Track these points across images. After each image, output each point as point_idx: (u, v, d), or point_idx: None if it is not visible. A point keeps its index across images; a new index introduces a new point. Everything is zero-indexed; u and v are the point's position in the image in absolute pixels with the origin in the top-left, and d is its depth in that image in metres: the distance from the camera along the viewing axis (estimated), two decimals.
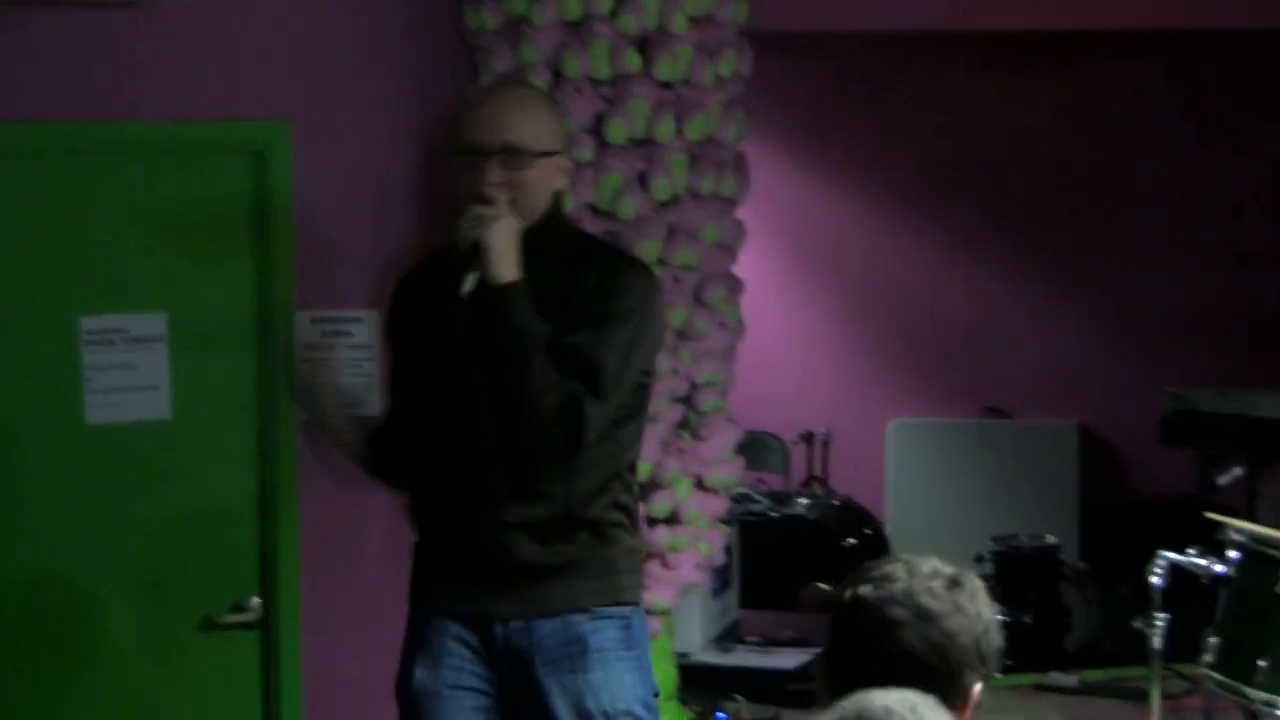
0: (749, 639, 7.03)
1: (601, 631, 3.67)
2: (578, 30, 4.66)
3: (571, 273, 3.62)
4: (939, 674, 2.42)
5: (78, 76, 4.52)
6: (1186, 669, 5.81)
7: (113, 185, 4.57)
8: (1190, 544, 4.96)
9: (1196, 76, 9.16)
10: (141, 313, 4.55)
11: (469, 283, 3.51)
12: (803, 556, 7.78)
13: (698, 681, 6.05)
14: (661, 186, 4.72)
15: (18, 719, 4.54)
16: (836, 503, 8.49)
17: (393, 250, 4.75)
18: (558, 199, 3.71)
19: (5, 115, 4.46)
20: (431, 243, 4.47)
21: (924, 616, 2.42)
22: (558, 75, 4.68)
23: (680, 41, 4.71)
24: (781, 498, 8.72)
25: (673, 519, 4.85)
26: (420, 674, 3.72)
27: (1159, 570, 4.88)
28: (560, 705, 3.63)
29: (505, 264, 3.48)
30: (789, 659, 6.62)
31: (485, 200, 3.52)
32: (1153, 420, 8.60)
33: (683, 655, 6.15)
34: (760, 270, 7.62)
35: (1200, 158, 9.31)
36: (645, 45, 4.71)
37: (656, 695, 3.82)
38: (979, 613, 2.48)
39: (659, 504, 4.79)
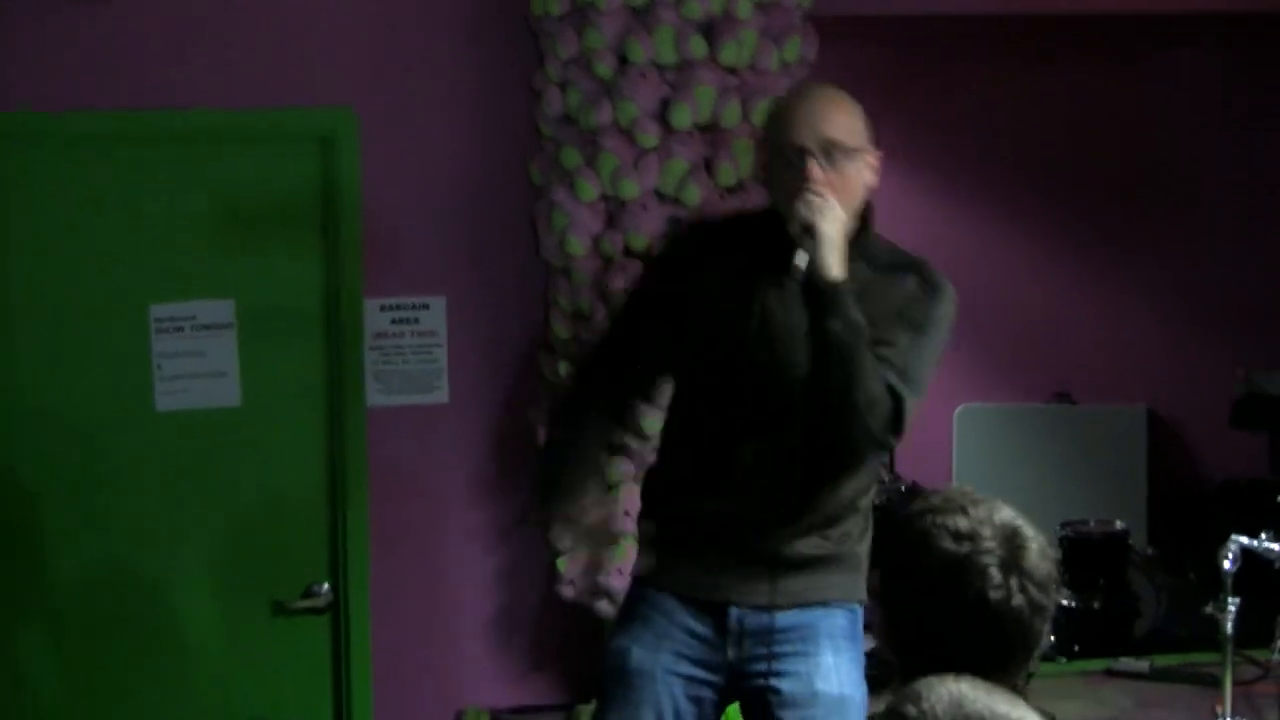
0: None
1: (833, 618, 3.66)
2: (643, 16, 4.66)
3: (888, 276, 3.63)
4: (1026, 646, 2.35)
5: (147, 66, 4.55)
6: (1258, 654, 5.77)
7: (181, 173, 4.60)
8: (1261, 529, 4.91)
9: (1262, 59, 9.08)
10: (210, 299, 4.58)
11: (802, 260, 3.44)
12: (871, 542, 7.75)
13: None
14: (727, 172, 4.72)
15: (93, 702, 4.59)
16: (903, 489, 8.45)
17: (458, 236, 4.78)
18: (869, 202, 3.70)
19: (75, 104, 4.50)
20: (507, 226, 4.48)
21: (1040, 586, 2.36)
22: (623, 61, 4.68)
23: (745, 26, 4.69)
24: None
25: None
26: (638, 652, 3.67)
27: (1231, 555, 4.84)
28: (789, 685, 3.61)
29: (837, 256, 3.46)
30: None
31: (821, 188, 3.51)
32: (1222, 404, 8.55)
33: None
34: None
35: (1267, 140, 9.24)
36: (710, 30, 4.71)
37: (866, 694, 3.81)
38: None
39: None
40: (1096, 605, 7.12)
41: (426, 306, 4.74)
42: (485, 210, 4.82)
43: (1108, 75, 9.36)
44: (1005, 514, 2.38)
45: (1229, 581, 4.84)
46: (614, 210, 4.71)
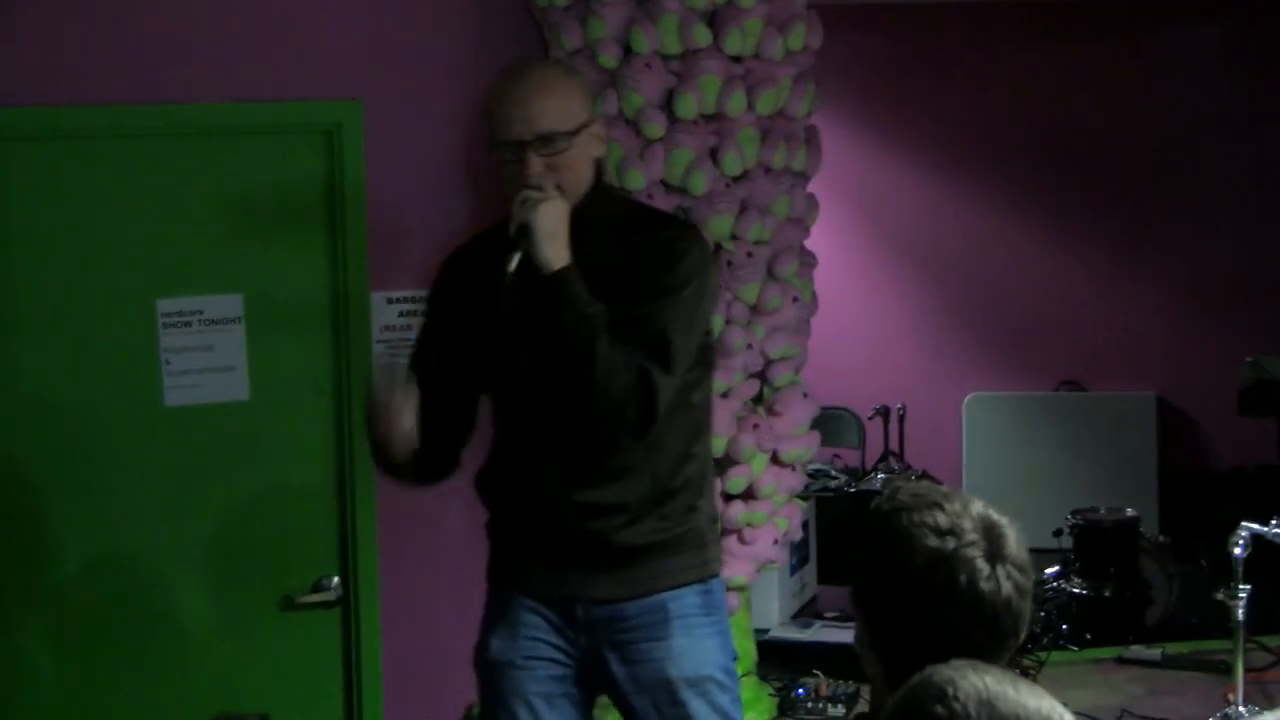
0: (827, 614, 7.01)
1: (683, 599, 3.66)
2: (646, 5, 4.65)
3: (622, 244, 3.58)
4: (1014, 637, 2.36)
5: (152, 60, 4.54)
6: (1269, 641, 5.76)
7: (187, 167, 4.59)
8: (1271, 515, 4.90)
9: (1272, 43, 9.06)
10: (218, 294, 4.57)
11: (513, 263, 3.45)
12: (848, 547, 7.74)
13: (776, 657, 6.04)
14: (732, 161, 4.71)
15: (99, 696, 4.58)
16: (913, 478, 8.45)
17: (465, 228, 4.75)
18: (599, 166, 3.66)
19: (79, 99, 4.49)
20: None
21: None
22: (627, 51, 4.67)
23: (749, 15, 4.69)
24: (857, 473, 8.71)
25: (749, 494, 4.85)
26: (496, 644, 3.73)
27: (1241, 541, 4.83)
28: (643, 673, 3.63)
29: (554, 247, 3.44)
30: None
31: (532, 186, 3.49)
32: (1230, 390, 8.53)
33: (761, 631, 6.15)
34: (834, 244, 7.62)
35: (1277, 126, 9.22)
36: (714, 19, 4.70)
37: (735, 659, 3.82)
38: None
39: (735, 479, 4.78)
40: (1107, 593, 7.13)
41: None
42: (489, 203, 4.80)
43: (1115, 60, 9.36)
44: (978, 505, 2.38)
45: (1240, 568, 4.84)
46: None
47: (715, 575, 3.75)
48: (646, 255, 3.56)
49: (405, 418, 3.56)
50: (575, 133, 3.55)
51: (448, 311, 3.79)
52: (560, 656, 3.69)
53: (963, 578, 2.29)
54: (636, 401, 3.45)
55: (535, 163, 3.51)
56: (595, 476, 3.59)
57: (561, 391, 3.51)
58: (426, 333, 3.86)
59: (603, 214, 3.61)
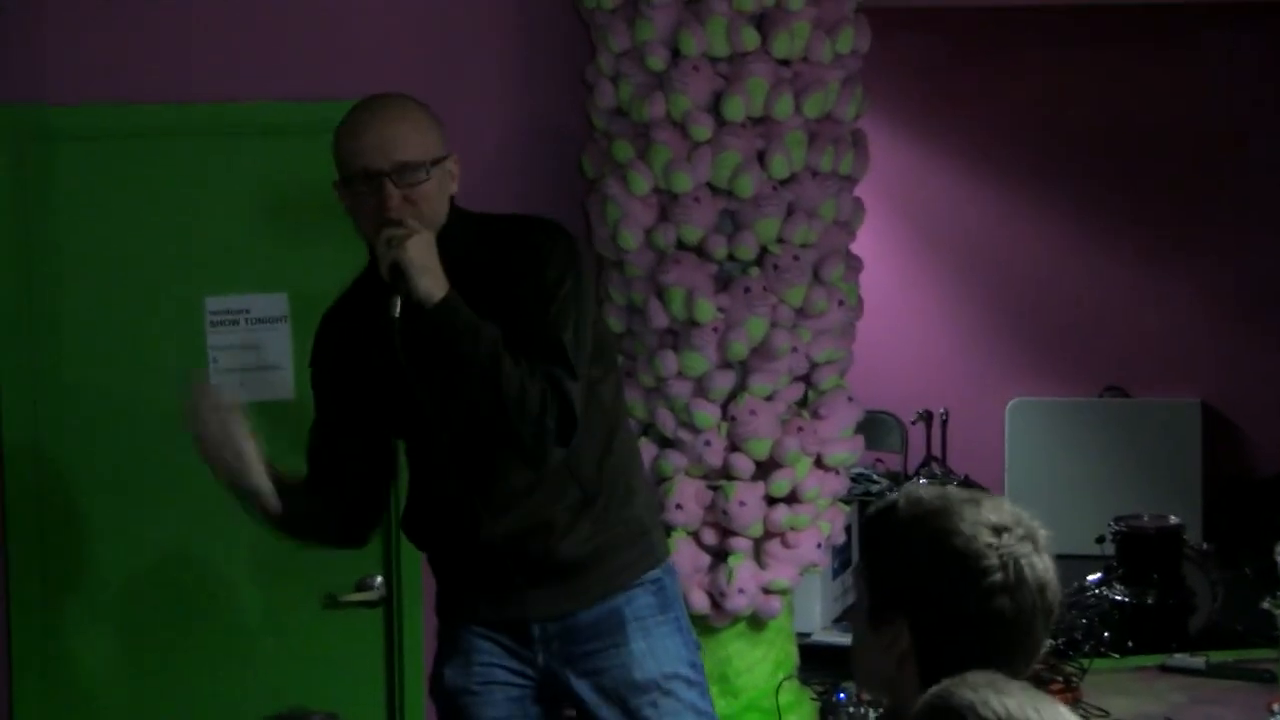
0: None
1: (636, 600, 3.63)
2: (695, 7, 4.65)
3: (493, 261, 3.51)
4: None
5: (199, 59, 4.57)
6: None
7: (235, 166, 4.62)
8: None
9: None
10: (265, 293, 4.59)
11: (396, 307, 3.36)
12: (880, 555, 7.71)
13: (818, 661, 6.02)
14: (780, 164, 4.70)
15: (143, 694, 4.61)
16: (955, 483, 8.43)
17: None
18: (452, 200, 3.60)
19: (130, 98, 4.52)
20: None
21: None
22: (675, 53, 4.67)
23: (797, 18, 4.68)
24: (899, 478, 8.69)
25: (792, 498, 4.84)
26: (450, 674, 3.69)
27: None
28: (607, 683, 3.61)
29: (431, 279, 3.35)
30: None
31: (393, 223, 3.40)
32: (1276, 396, 8.49)
33: (803, 635, 6.13)
34: (879, 248, 7.60)
35: None
36: (762, 22, 4.69)
37: (699, 649, 3.79)
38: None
39: (779, 483, 4.78)
40: (1150, 600, 7.09)
41: None
42: (537, 204, 4.80)
43: (1158, 63, 9.33)
44: (1005, 502, 2.41)
45: None
46: (666, 203, 4.71)
47: (664, 560, 3.72)
48: (517, 265, 3.50)
49: (235, 442, 3.50)
50: (433, 164, 3.48)
51: (335, 374, 3.70)
52: (515, 680, 3.66)
53: (1028, 571, 2.32)
54: (553, 408, 3.38)
55: (394, 195, 3.41)
56: (515, 501, 3.55)
57: (475, 419, 3.43)
58: (320, 398, 3.75)
59: (466, 239, 3.53)
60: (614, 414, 3.69)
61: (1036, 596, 2.32)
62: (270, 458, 3.58)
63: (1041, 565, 2.34)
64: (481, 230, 3.61)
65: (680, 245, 4.70)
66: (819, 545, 4.96)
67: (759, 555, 4.83)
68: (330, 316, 3.78)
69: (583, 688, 3.62)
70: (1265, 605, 4.91)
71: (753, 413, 4.72)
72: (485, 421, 3.41)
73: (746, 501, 4.73)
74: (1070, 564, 2.42)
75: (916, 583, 2.36)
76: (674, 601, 3.72)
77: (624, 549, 3.64)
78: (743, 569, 4.78)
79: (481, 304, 3.39)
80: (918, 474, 8.71)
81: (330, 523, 3.72)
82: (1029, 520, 2.38)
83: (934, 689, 2.00)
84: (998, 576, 2.31)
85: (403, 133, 3.46)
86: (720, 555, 4.82)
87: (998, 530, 2.33)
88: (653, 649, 3.63)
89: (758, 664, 4.94)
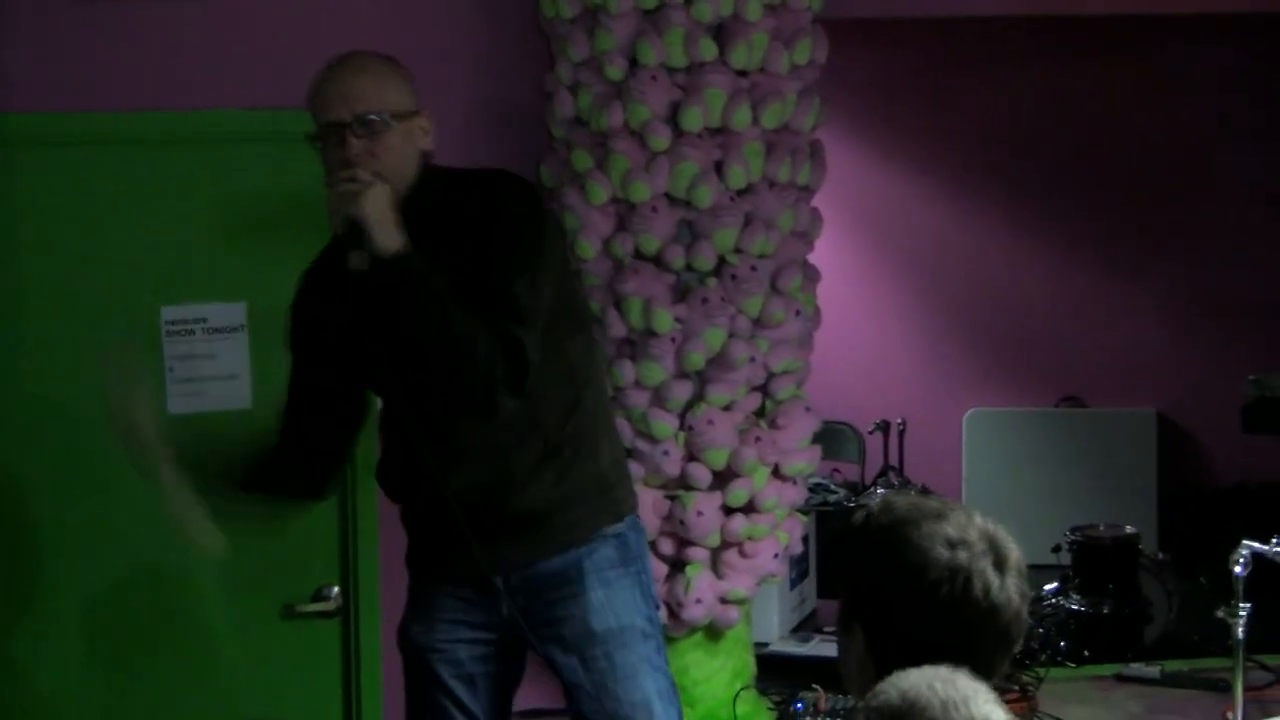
0: (827, 629, 7.00)
1: (597, 552, 3.65)
2: (653, 18, 4.66)
3: (455, 211, 3.52)
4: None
5: (156, 67, 4.55)
6: (1270, 660, 5.75)
7: (193, 174, 4.60)
8: (1272, 533, 4.90)
9: (1273, 61, 9.07)
10: (222, 302, 4.58)
11: (356, 260, 3.40)
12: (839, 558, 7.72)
13: (776, 671, 6.03)
14: (737, 174, 4.71)
15: (101, 704, 4.58)
16: (912, 493, 8.44)
17: None
18: (426, 160, 3.60)
19: (85, 106, 4.50)
20: None
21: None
22: (633, 63, 4.68)
23: (756, 29, 4.69)
24: (857, 488, 8.70)
25: (750, 508, 4.85)
26: (415, 629, 3.73)
27: (1242, 559, 4.82)
28: (566, 630, 3.62)
29: (386, 231, 3.36)
30: None
31: (349, 174, 3.42)
32: (1232, 408, 8.53)
33: (761, 645, 6.15)
34: (837, 259, 7.62)
35: (1276, 142, 9.23)
36: (720, 33, 4.71)
37: (658, 608, 3.81)
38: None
39: (736, 492, 4.78)
40: (1106, 610, 7.12)
41: None
42: None
43: (1120, 76, 9.37)
44: (977, 516, 2.41)
45: (1240, 586, 4.83)
46: (624, 213, 4.71)
47: (628, 515, 3.73)
48: (475, 216, 3.51)
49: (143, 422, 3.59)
50: (398, 118, 3.50)
51: (307, 325, 3.73)
52: (480, 635, 3.69)
53: (978, 589, 2.31)
54: (504, 359, 3.38)
55: (354, 144, 3.43)
56: (476, 452, 3.56)
57: (429, 370, 3.43)
58: (294, 349, 3.78)
59: (431, 195, 3.55)
60: (585, 373, 3.69)
61: (985, 617, 2.31)
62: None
63: (997, 585, 2.32)
64: (449, 183, 3.62)
65: (638, 255, 4.70)
66: (776, 555, 4.97)
67: (716, 565, 4.84)
68: (310, 273, 3.81)
69: (543, 634, 3.64)
70: (1220, 614, 4.92)
71: (710, 422, 4.73)
72: (437, 373, 3.42)
73: (704, 511, 4.74)
74: (1027, 573, 2.41)
75: (868, 589, 2.39)
76: (637, 558, 3.73)
77: (586, 500, 3.65)
78: (700, 579, 4.78)
79: (443, 254, 3.41)
80: (875, 484, 8.72)
81: (292, 474, 3.77)
82: (1000, 540, 2.37)
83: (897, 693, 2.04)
84: (943, 590, 2.31)
85: (362, 84, 3.50)
86: (678, 565, 4.82)
87: (953, 544, 2.33)
88: (610, 600, 3.65)
89: (715, 674, 4.94)
